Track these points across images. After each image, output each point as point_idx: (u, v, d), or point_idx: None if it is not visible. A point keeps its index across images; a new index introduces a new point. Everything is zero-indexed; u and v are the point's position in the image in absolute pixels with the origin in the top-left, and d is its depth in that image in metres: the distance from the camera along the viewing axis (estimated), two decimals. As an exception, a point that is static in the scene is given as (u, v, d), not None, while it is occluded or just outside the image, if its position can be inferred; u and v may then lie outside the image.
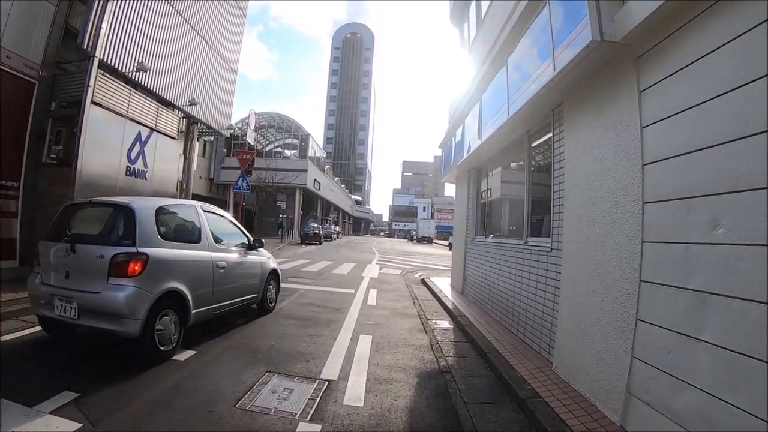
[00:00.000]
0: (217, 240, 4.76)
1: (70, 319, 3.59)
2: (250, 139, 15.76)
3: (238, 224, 5.62)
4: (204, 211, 4.75)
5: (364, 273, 11.81)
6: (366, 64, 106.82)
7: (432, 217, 69.07)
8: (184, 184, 12.05)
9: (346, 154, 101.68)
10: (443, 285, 9.38)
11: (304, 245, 25.17)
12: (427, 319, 6.05)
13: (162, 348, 3.73)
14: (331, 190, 47.45)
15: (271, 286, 5.98)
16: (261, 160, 30.85)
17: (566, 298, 3.64)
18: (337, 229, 44.47)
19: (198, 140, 12.74)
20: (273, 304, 6.11)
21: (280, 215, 28.70)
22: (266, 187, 26.05)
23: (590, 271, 3.24)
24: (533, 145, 5.06)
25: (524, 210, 4.98)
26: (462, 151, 7.34)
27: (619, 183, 2.93)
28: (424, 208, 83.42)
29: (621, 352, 2.80)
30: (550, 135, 4.27)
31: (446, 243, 38.20)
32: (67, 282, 3.65)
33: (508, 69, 4.72)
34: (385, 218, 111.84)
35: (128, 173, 8.98)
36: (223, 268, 4.65)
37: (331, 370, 3.77)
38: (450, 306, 6.75)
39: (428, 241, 50.21)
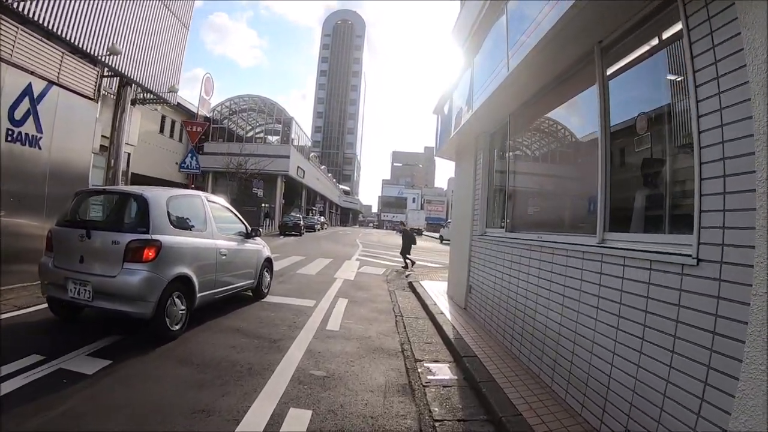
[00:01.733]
0: (219, 228, 4.91)
1: (83, 302, 3.66)
2: (204, 109, 13.22)
3: (237, 214, 5.73)
4: (208, 201, 4.95)
5: (338, 273, 9.48)
6: (357, 52, 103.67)
7: (422, 209, 67.19)
8: (113, 161, 9.54)
9: (335, 143, 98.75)
10: (437, 292, 7.19)
11: (282, 236, 22.87)
12: (416, 361, 3.79)
13: (172, 328, 3.86)
14: (316, 178, 44.96)
15: (266, 273, 6.16)
16: (237, 144, 28.28)
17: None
18: (322, 219, 42.20)
19: (134, 105, 10.21)
20: (267, 290, 6.27)
21: (263, 204, 26.31)
22: (239, 173, 23.43)
23: None
24: (609, 72, 2.82)
25: (598, 183, 2.74)
26: (469, 105, 5.06)
27: None
28: (414, 199, 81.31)
29: None
30: (680, 28, 2.03)
31: (437, 235, 36.45)
32: (81, 266, 3.70)
33: None
34: (374, 209, 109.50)
35: (10, 138, 6.44)
36: (225, 255, 4.82)
37: None
38: (450, 334, 4.51)
39: (418, 233, 48.57)
